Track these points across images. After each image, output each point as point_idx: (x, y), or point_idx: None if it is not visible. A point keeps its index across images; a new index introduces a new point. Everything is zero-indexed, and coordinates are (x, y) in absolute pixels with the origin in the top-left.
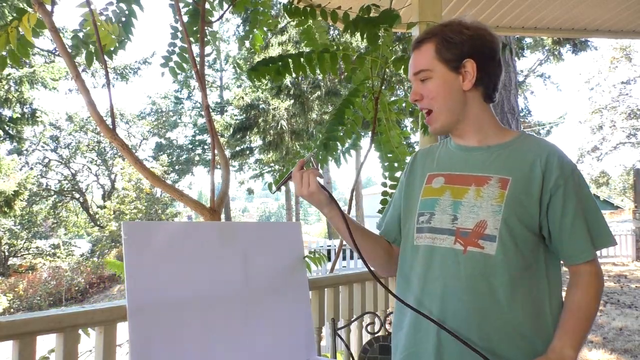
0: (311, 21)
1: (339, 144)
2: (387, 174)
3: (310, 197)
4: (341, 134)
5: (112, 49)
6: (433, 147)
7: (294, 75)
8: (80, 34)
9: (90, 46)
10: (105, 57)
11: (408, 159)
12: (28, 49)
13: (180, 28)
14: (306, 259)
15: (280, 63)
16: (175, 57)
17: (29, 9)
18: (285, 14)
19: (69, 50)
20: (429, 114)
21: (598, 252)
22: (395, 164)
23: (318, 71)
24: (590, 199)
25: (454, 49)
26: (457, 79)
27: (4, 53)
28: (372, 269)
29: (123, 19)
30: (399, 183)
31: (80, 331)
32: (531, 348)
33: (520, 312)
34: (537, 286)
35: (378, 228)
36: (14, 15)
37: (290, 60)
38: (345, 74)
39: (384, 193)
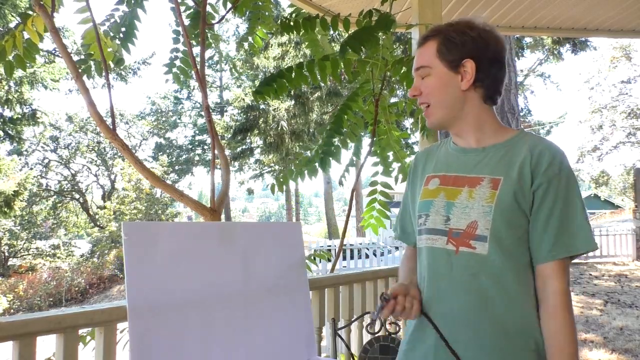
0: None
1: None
2: (383, 175)
3: None
4: (338, 144)
5: (110, 62)
6: (433, 147)
7: (295, 87)
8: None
9: (93, 57)
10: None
11: (407, 160)
12: (34, 53)
13: (180, 29)
14: (310, 257)
15: (284, 80)
16: (178, 62)
17: (32, 13)
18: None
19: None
20: (428, 108)
21: (597, 252)
22: (395, 166)
23: (319, 78)
24: (574, 202)
25: (454, 49)
26: (455, 78)
27: (9, 58)
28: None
29: (123, 29)
30: (407, 185)
31: (86, 334)
32: (521, 344)
33: (511, 310)
34: (527, 285)
35: (394, 231)
36: (16, 17)
37: (292, 73)
38: (346, 76)
39: (372, 192)
